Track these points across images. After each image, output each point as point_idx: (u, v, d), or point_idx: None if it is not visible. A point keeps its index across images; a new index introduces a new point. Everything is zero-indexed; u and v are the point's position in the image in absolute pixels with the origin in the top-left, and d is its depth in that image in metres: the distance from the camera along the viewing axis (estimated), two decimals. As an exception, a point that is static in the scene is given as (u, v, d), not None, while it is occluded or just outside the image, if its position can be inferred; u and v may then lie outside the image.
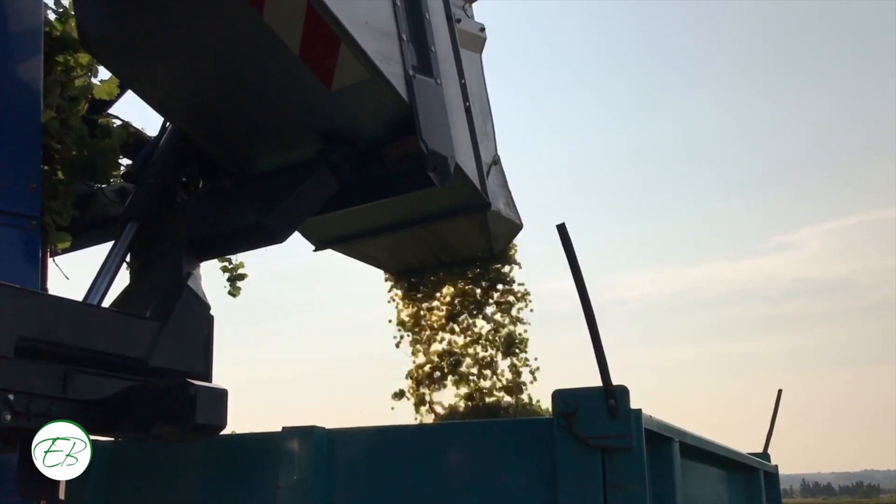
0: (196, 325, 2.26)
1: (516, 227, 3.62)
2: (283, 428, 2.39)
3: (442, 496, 2.15)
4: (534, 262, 3.85)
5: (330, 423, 2.40)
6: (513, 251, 3.81)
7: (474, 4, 3.67)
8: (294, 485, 2.29)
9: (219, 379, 2.25)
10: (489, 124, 3.51)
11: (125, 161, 3.02)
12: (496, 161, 3.49)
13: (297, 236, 3.48)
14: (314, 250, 3.60)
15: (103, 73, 2.82)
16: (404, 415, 3.84)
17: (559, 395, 2.03)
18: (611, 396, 1.95)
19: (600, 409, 1.96)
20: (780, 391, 4.46)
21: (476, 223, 3.39)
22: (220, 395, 1.89)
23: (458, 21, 3.32)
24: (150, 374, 2.06)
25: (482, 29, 3.58)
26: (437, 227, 3.44)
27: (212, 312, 2.35)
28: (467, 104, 3.16)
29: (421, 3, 2.79)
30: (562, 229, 2.10)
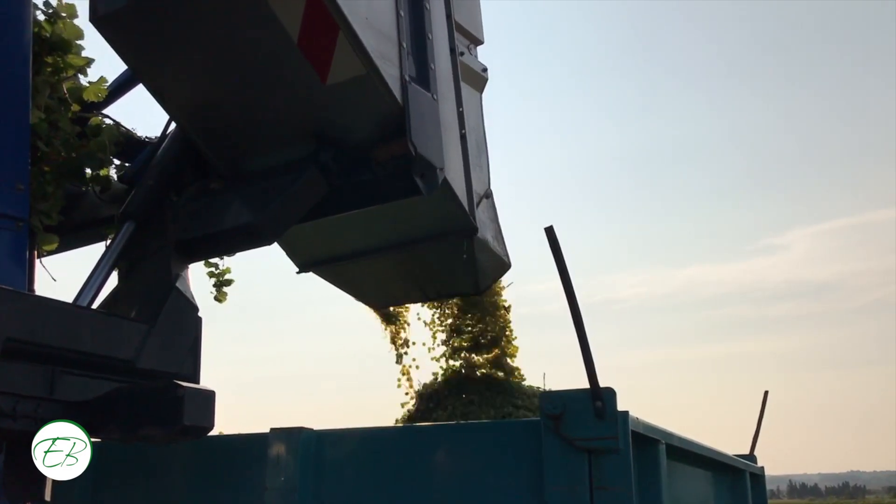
0: (184, 326, 2.25)
1: (504, 264, 3.55)
2: (271, 429, 2.39)
3: (429, 497, 2.16)
4: (525, 263, 3.83)
5: (318, 423, 2.41)
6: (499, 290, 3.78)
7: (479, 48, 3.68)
8: (281, 486, 2.29)
9: (207, 380, 2.25)
10: (484, 159, 3.47)
11: (115, 162, 3.01)
12: (488, 195, 3.45)
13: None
14: (297, 272, 3.52)
15: (92, 75, 2.82)
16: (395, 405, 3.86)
17: (546, 397, 2.04)
18: (598, 398, 1.97)
19: (587, 410, 1.97)
20: (766, 393, 4.49)
21: (463, 252, 3.30)
22: (208, 397, 1.89)
23: (462, 55, 3.31)
24: (137, 376, 2.06)
25: (484, 70, 3.58)
26: (424, 256, 3.38)
27: (200, 314, 2.34)
28: (463, 131, 3.14)
29: (424, 22, 2.81)
30: (550, 232, 2.11)
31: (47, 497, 1.92)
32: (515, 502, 2.04)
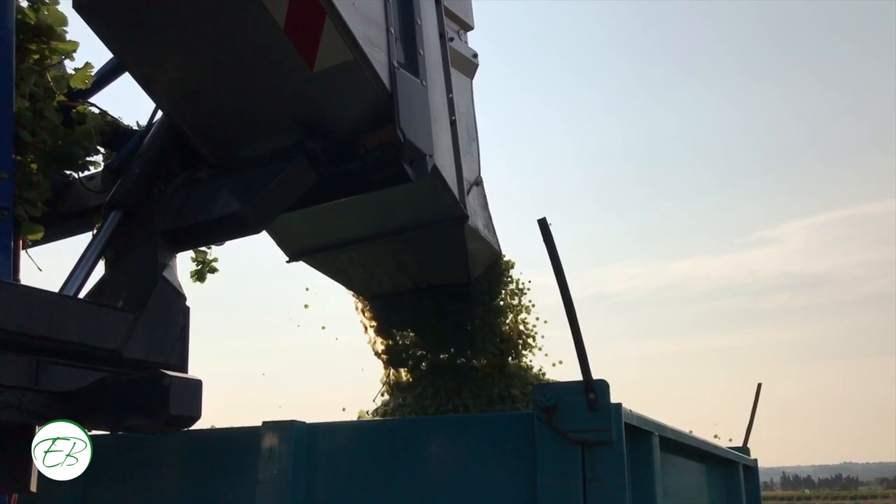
0: (171, 316, 2.22)
1: (494, 252, 3.53)
2: (263, 422, 2.38)
3: (422, 490, 2.15)
4: (517, 256, 3.80)
5: (310, 416, 2.38)
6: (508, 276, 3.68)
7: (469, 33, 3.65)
8: (274, 479, 2.28)
9: (202, 373, 2.22)
10: (474, 146, 3.45)
11: (102, 150, 2.97)
12: (478, 182, 3.43)
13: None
14: (287, 261, 3.50)
15: (78, 62, 2.77)
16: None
17: (539, 389, 2.03)
18: (591, 390, 1.96)
19: (580, 403, 1.97)
20: (759, 385, 4.49)
21: (453, 239, 3.28)
22: (194, 386, 1.87)
23: (451, 40, 3.29)
24: (124, 366, 2.03)
25: (475, 55, 3.56)
26: (414, 244, 3.35)
27: (188, 303, 2.32)
28: (453, 118, 3.11)
29: (413, 7, 2.78)
30: (543, 224, 2.09)
31: (33, 488, 1.90)
32: (508, 495, 2.03)
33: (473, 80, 3.61)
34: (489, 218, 3.50)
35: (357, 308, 3.85)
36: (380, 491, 2.20)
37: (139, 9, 2.31)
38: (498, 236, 3.56)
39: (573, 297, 2.05)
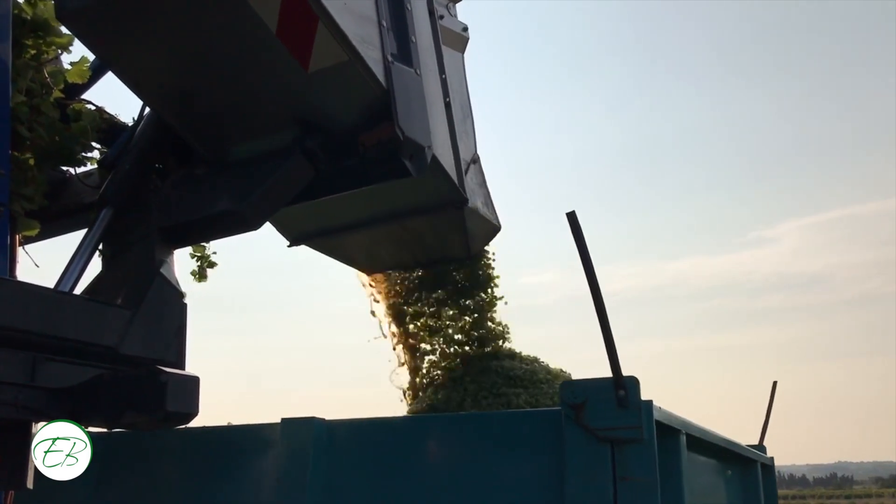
0: (169, 313, 2.18)
1: (494, 227, 3.56)
2: (282, 419, 2.32)
3: (446, 488, 2.08)
4: (515, 257, 3.83)
5: (330, 413, 2.32)
6: (489, 260, 3.72)
7: (458, 5, 3.62)
8: (293, 476, 2.21)
9: (214, 369, 2.14)
10: (469, 123, 3.47)
11: (98, 146, 2.90)
12: (475, 160, 3.45)
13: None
14: (289, 246, 3.53)
15: (74, 55, 2.70)
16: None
17: (567, 386, 1.97)
18: (620, 387, 1.91)
19: (609, 400, 1.91)
20: (774, 383, 4.47)
21: (453, 221, 3.32)
22: (192, 383, 1.83)
23: (441, 17, 3.28)
24: (121, 363, 1.99)
25: (465, 29, 3.56)
26: (414, 225, 3.38)
27: (185, 300, 2.27)
28: (447, 99, 3.11)
29: None
30: (572, 217, 2.03)
31: (29, 485, 1.85)
32: (535, 493, 1.97)
33: (465, 54, 3.59)
34: (487, 195, 3.50)
35: (363, 283, 3.87)
36: (401, 489, 2.13)
37: (126, 16, 2.24)
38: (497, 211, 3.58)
39: (601, 291, 1.98)
